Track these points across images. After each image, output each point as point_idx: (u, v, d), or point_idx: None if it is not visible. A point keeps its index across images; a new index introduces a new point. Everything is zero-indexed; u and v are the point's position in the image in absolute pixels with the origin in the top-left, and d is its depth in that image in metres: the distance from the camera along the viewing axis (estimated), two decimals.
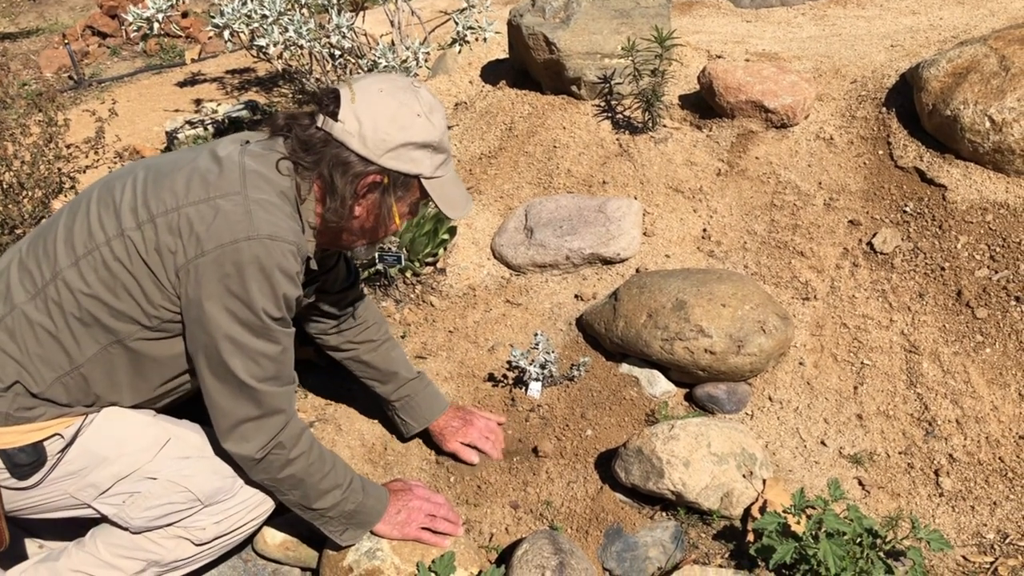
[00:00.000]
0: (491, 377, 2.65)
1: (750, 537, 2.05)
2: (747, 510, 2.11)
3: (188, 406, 1.92)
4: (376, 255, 2.76)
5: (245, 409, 1.73)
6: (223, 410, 1.74)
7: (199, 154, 1.79)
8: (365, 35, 3.98)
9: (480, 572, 1.97)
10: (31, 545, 2.06)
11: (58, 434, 1.75)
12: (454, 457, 2.37)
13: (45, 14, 8.46)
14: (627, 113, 3.57)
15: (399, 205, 1.86)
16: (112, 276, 1.68)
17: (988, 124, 2.83)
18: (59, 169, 3.20)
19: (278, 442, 1.77)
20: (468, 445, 2.36)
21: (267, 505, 1.94)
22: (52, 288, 1.70)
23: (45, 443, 1.74)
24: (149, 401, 1.87)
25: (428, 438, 2.41)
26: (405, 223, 1.98)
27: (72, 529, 2.02)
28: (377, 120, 1.74)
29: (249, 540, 2.08)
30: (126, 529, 1.83)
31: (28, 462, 1.72)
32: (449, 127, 1.86)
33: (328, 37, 3.52)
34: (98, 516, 1.84)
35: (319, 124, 1.77)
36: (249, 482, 1.88)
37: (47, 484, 1.77)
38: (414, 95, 1.78)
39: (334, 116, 1.75)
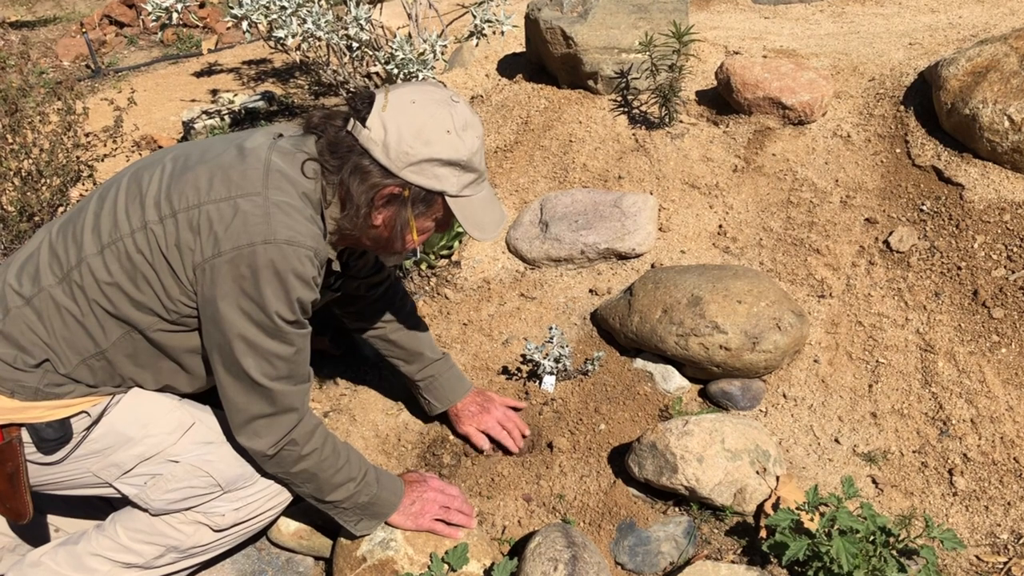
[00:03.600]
0: (505, 370, 2.66)
1: (763, 533, 2.05)
2: (760, 506, 2.11)
3: (212, 392, 1.94)
4: None
5: (258, 406, 1.75)
6: (236, 406, 1.76)
7: (227, 147, 1.78)
8: (382, 27, 3.98)
9: (493, 564, 1.98)
10: (49, 530, 2.09)
11: (85, 412, 1.78)
12: (466, 440, 2.41)
13: (62, 3, 8.49)
14: (644, 108, 3.56)
15: (419, 220, 1.82)
16: (134, 267, 1.69)
17: (1007, 124, 2.81)
18: (77, 157, 3.21)
19: (291, 439, 1.79)
20: (482, 432, 2.39)
21: (286, 494, 1.96)
22: (76, 274, 1.72)
23: (72, 420, 1.77)
24: (172, 387, 1.89)
25: (446, 419, 2.46)
26: (430, 237, 1.94)
27: (91, 515, 2.05)
28: (403, 131, 1.70)
29: (266, 530, 2.10)
30: (146, 510, 1.85)
31: (54, 437, 1.75)
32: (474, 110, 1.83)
33: (346, 29, 3.52)
34: (119, 496, 1.86)
35: (349, 128, 1.75)
36: None
37: (71, 461, 1.79)
38: (448, 110, 1.74)
39: (363, 122, 1.73)
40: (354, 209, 1.75)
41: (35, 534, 2.04)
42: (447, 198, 1.78)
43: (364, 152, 1.73)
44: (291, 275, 1.65)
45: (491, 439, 2.40)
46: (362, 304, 2.30)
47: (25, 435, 1.74)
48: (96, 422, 1.79)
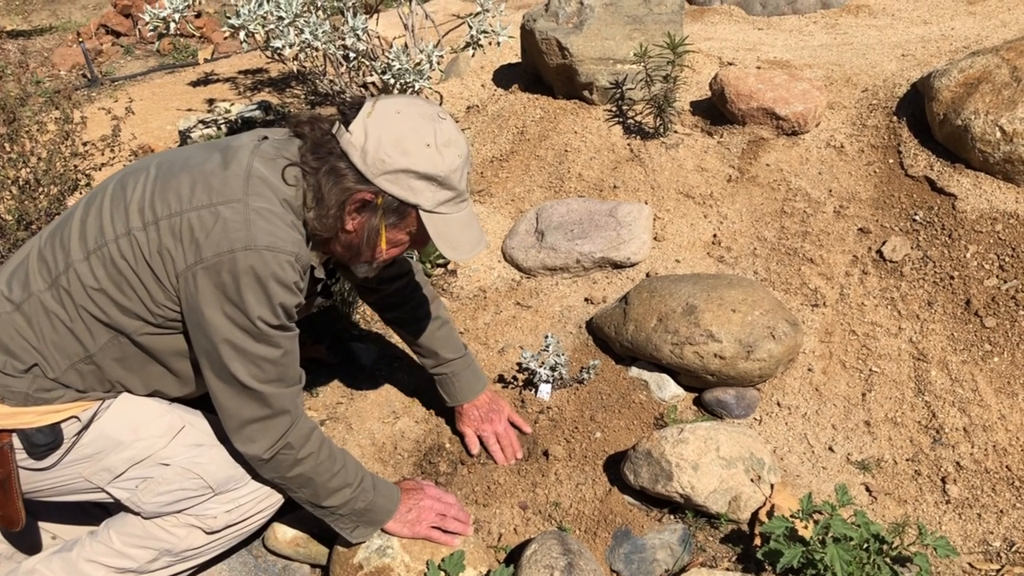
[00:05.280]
0: (501, 378, 2.67)
1: (757, 541, 2.06)
2: (755, 514, 2.12)
3: (204, 398, 1.95)
4: None
5: (249, 410, 1.75)
6: (228, 411, 1.76)
7: (211, 153, 1.78)
8: (379, 38, 4.00)
9: (489, 571, 1.98)
10: (45, 537, 2.09)
11: (75, 417, 1.78)
12: (461, 437, 2.44)
13: (58, 12, 8.50)
14: (639, 118, 3.59)
15: (391, 231, 1.81)
16: (119, 273, 1.71)
17: (999, 134, 2.84)
18: (75, 166, 3.22)
19: (286, 442, 1.79)
20: (478, 436, 2.42)
21: (277, 496, 1.96)
22: (64, 279, 1.73)
23: (62, 425, 1.77)
24: (161, 392, 1.90)
25: (448, 414, 2.50)
26: (404, 252, 1.93)
27: (87, 522, 2.04)
28: (382, 139, 1.70)
29: (260, 532, 2.10)
30: (138, 514, 1.86)
31: (45, 443, 1.75)
32: (461, 130, 1.83)
33: (342, 39, 3.54)
34: (111, 501, 1.87)
35: (333, 131, 1.76)
36: None
37: (63, 466, 1.80)
38: (432, 125, 1.74)
39: (347, 126, 1.74)
40: (324, 210, 1.75)
41: (31, 541, 2.04)
42: (421, 212, 1.77)
43: (343, 155, 1.73)
44: (272, 280, 1.66)
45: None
46: (378, 296, 2.33)
47: (16, 441, 1.74)
48: (87, 427, 1.80)
